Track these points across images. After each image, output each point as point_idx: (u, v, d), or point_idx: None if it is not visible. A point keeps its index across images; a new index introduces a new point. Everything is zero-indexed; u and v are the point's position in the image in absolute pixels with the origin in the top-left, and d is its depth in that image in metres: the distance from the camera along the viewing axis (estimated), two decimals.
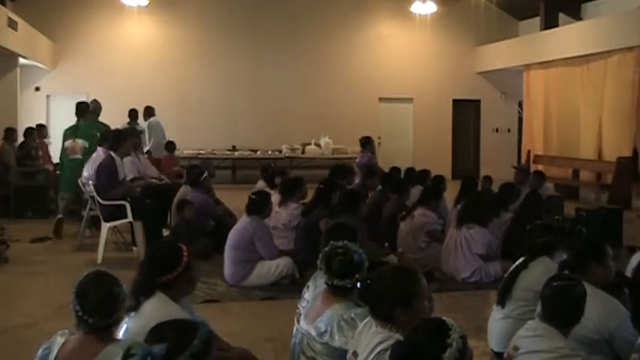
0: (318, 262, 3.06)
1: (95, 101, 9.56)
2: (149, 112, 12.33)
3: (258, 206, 6.22)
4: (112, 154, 7.23)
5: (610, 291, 3.37)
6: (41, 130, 11.61)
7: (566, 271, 3.50)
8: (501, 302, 4.05)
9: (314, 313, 3.04)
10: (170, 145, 11.94)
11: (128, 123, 11.45)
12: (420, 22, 16.20)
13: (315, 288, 3.44)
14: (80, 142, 8.70)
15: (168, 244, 3.24)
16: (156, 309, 2.80)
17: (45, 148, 11.55)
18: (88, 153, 8.30)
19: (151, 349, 1.93)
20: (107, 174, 7.05)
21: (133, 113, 11.91)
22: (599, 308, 3.15)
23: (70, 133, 8.92)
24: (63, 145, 8.93)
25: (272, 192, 7.32)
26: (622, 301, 3.40)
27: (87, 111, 9.01)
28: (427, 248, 6.89)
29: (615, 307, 3.27)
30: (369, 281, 2.70)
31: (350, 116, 16.11)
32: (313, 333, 2.95)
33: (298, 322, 3.24)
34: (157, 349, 1.93)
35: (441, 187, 7.89)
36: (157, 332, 2.07)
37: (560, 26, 14.38)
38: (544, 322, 2.95)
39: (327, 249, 3.06)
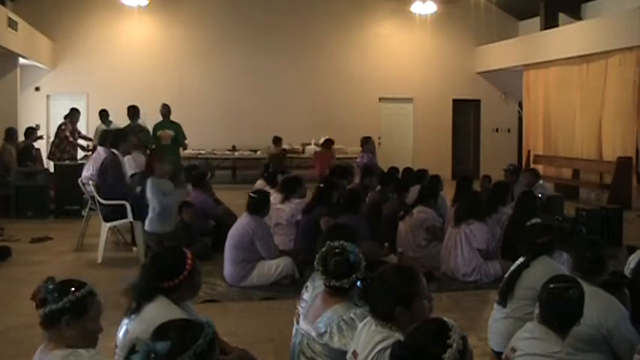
0: (315, 263, 3.06)
1: (165, 105, 10.72)
2: (136, 112, 12.39)
3: (258, 205, 6.22)
4: (115, 152, 7.25)
5: (609, 290, 3.38)
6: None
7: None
8: (503, 301, 4.05)
9: (313, 313, 3.04)
10: (327, 142, 12.89)
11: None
12: (420, 22, 16.20)
13: (313, 289, 3.43)
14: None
15: (173, 250, 3.21)
16: (157, 312, 2.78)
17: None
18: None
19: (154, 346, 1.94)
20: (114, 172, 7.08)
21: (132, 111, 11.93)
22: (598, 306, 3.16)
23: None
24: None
25: (272, 191, 7.34)
26: (621, 300, 3.40)
27: (138, 114, 10.60)
28: (427, 247, 6.91)
29: (614, 305, 3.27)
30: (369, 280, 2.70)
31: (350, 116, 16.12)
32: (313, 334, 2.95)
33: (297, 322, 3.24)
34: (160, 347, 1.93)
35: (438, 186, 7.94)
36: (161, 331, 2.08)
37: (560, 26, 14.39)
38: (542, 324, 2.96)
39: (323, 250, 3.06)
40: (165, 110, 10.72)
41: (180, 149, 11.14)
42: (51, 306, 2.37)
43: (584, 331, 3.10)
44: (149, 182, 7.11)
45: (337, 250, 3.03)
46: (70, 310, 2.37)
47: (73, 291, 2.40)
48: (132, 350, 1.96)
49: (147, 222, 5.72)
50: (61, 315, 2.37)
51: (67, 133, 11.44)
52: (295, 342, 3.14)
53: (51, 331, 2.40)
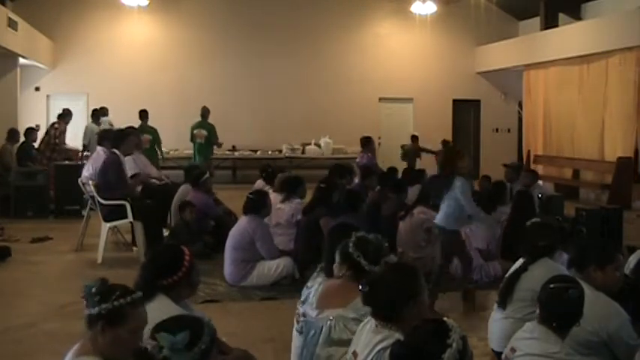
0: (350, 251, 3.07)
1: (204, 107, 12.21)
2: (104, 112, 12.71)
3: (256, 205, 6.22)
4: (116, 152, 7.25)
5: (612, 293, 3.35)
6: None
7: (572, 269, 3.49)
8: (502, 304, 4.03)
9: (342, 297, 3.04)
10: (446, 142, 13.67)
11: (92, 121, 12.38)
12: (420, 22, 16.19)
13: (315, 289, 3.43)
14: (146, 135, 10.83)
15: (171, 248, 3.23)
16: (158, 311, 2.77)
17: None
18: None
19: (175, 338, 2.01)
20: (114, 171, 7.07)
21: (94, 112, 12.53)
22: (599, 311, 3.14)
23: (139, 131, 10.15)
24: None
25: (271, 191, 7.34)
26: (621, 301, 3.38)
27: (147, 115, 11.59)
28: (427, 247, 6.90)
29: (615, 310, 3.24)
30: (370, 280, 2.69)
31: (350, 116, 16.11)
32: (352, 315, 2.96)
33: (297, 322, 3.23)
34: (179, 338, 2.03)
35: None
36: (168, 326, 2.17)
37: (560, 26, 14.38)
38: (542, 325, 2.96)
39: (353, 239, 3.10)
40: (204, 111, 12.12)
41: (214, 148, 12.44)
42: (90, 309, 2.32)
43: (585, 336, 3.09)
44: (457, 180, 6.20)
45: (371, 238, 3.11)
46: (106, 318, 2.30)
47: (113, 299, 2.31)
48: (158, 347, 2.06)
49: (440, 216, 5.51)
50: (98, 320, 2.31)
51: (58, 133, 11.45)
52: (314, 332, 3.11)
53: (90, 332, 2.36)
